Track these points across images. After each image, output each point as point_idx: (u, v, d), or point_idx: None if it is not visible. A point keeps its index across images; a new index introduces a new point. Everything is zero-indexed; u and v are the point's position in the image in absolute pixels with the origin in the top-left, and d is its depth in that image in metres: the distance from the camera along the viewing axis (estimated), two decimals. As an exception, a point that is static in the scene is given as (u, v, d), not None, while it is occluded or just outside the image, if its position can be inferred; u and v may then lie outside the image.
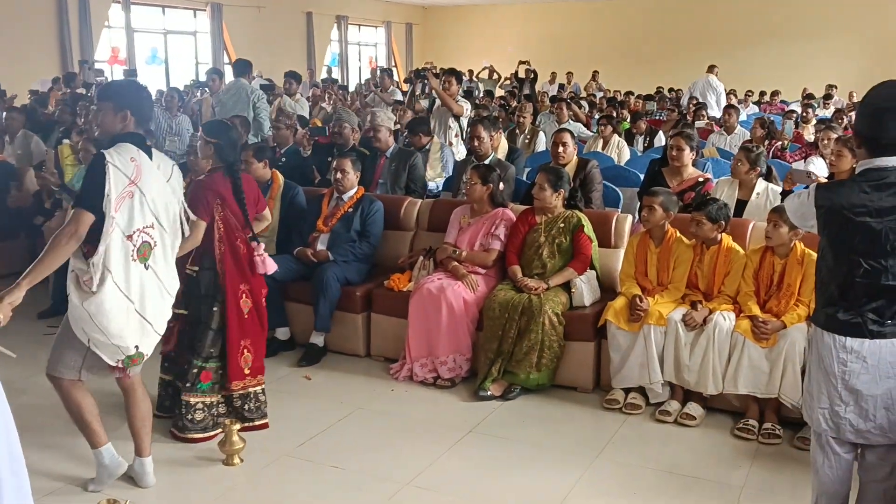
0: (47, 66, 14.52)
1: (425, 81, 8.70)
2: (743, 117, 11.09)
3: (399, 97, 9.66)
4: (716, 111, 12.11)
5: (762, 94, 16.67)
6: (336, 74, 20.95)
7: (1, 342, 2.91)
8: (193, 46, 18.57)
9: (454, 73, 7.79)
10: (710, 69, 13.30)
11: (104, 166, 3.15)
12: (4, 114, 8.78)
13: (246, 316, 4.09)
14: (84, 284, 3.22)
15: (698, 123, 10.14)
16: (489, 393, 4.57)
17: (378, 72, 10.96)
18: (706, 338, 4.24)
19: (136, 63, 16.47)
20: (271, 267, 4.12)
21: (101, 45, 15.98)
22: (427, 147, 6.79)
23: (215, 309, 4.02)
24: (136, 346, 3.33)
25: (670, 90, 16.98)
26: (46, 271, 3.18)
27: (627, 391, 4.49)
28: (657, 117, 12.06)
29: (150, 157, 3.34)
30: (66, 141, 7.30)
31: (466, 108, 7.54)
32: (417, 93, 9.19)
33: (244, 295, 4.06)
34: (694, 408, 4.31)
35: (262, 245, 4.11)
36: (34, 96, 11.69)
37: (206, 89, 10.97)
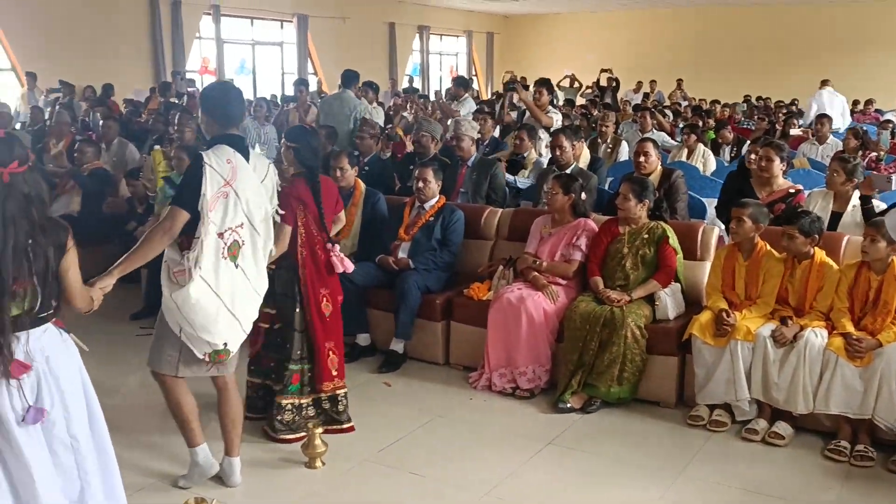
0: (142, 77, 15.13)
1: (514, 93, 8.70)
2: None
3: (470, 107, 9.62)
4: (840, 122, 11.70)
5: (855, 103, 16.06)
6: (417, 84, 21.18)
7: (85, 340, 2.99)
8: (280, 57, 19.03)
9: (545, 84, 7.75)
10: (824, 83, 12.85)
11: (201, 167, 3.26)
12: (101, 122, 9.15)
13: (328, 318, 4.16)
14: (173, 276, 3.33)
15: (792, 132, 9.85)
16: (569, 405, 4.52)
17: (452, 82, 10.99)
18: (796, 355, 4.10)
19: (226, 73, 16.96)
20: (349, 266, 4.19)
21: (192, 56, 16.52)
22: (524, 154, 6.79)
23: (297, 311, 4.10)
24: (225, 343, 3.41)
25: (758, 98, 16.56)
26: (138, 263, 3.31)
27: (712, 408, 4.37)
28: (745, 126, 11.77)
29: (247, 158, 3.44)
30: (157, 147, 7.55)
31: (556, 119, 7.46)
32: (507, 104, 9.23)
33: (325, 299, 4.13)
34: (782, 427, 4.17)
35: (338, 246, 4.16)
36: (129, 106, 12.17)
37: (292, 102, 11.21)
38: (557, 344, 4.76)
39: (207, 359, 3.41)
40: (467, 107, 9.74)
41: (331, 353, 4.18)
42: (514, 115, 9.03)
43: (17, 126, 10.88)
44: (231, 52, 17.59)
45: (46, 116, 10.85)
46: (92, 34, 14.16)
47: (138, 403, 4.62)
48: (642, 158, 5.73)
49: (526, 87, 8.62)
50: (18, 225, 2.51)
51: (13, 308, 2.54)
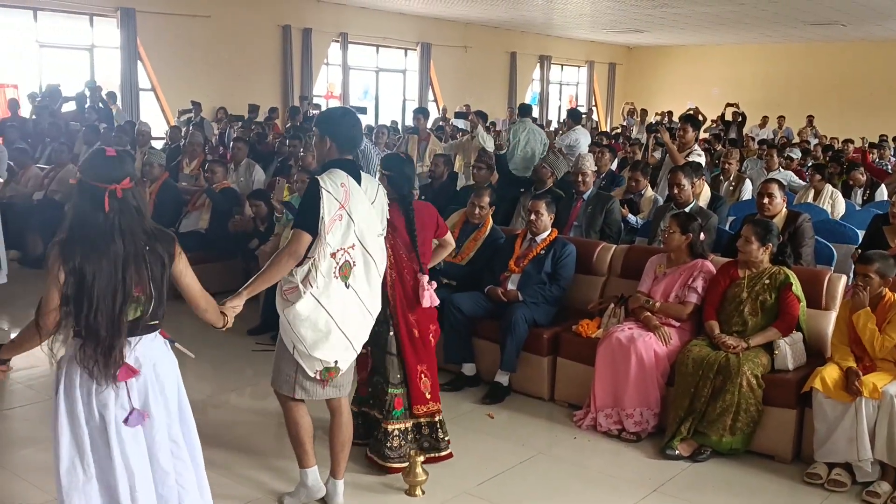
0: (271, 100, 15.80)
1: (657, 135, 8.61)
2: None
3: (577, 140, 9.60)
4: None
5: None
6: (534, 112, 21.20)
7: (202, 352, 3.12)
8: (402, 83, 19.47)
9: (690, 120, 7.59)
10: None
11: (318, 191, 3.37)
12: (232, 142, 9.59)
13: (419, 341, 4.15)
14: (284, 294, 3.44)
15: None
16: (677, 452, 4.36)
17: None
18: (928, 417, 3.83)
19: (350, 98, 17.49)
20: (435, 300, 4.13)
21: (319, 81, 17.13)
22: (642, 192, 6.68)
23: (391, 334, 4.10)
24: (335, 361, 3.48)
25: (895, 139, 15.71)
26: (265, 285, 3.43)
27: (831, 466, 4.13)
28: (882, 167, 11.18)
29: (359, 181, 3.52)
30: (280, 179, 7.81)
31: (700, 158, 7.26)
32: (651, 145, 9.15)
33: (412, 326, 4.12)
34: (909, 493, 3.90)
35: (426, 277, 4.05)
36: (258, 128, 12.70)
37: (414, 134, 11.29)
38: (668, 388, 4.62)
39: (318, 376, 3.48)
40: (572, 138, 9.69)
41: (423, 376, 4.17)
42: (657, 155, 8.90)
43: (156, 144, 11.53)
44: (356, 79, 18.13)
45: (182, 135, 11.47)
46: (228, 58, 14.92)
47: (249, 419, 4.78)
48: (766, 200, 5.51)
49: (670, 129, 8.50)
50: (135, 234, 2.67)
51: (130, 312, 2.66)
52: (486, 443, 4.56)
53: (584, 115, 10.68)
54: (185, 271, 2.84)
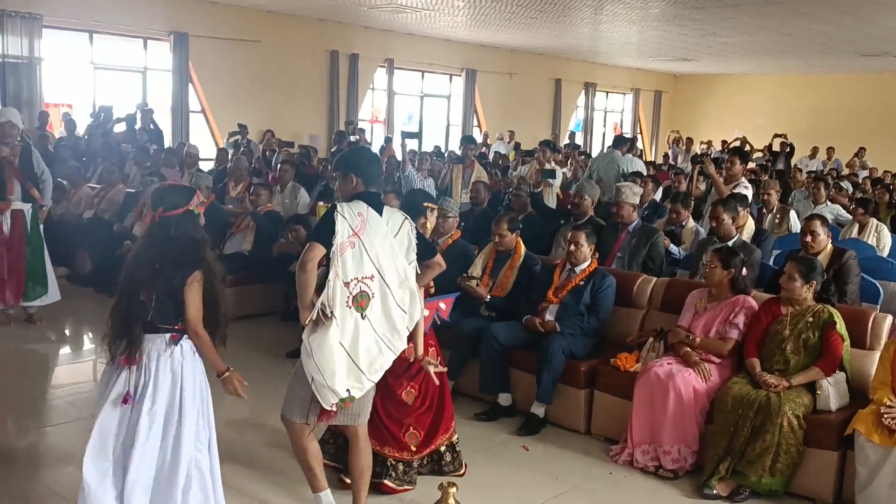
0: (317, 124, 16.04)
1: (702, 166, 8.56)
2: None
3: (626, 164, 9.62)
4: None
5: None
6: (579, 139, 21.18)
7: (241, 373, 3.32)
8: (446, 109, 19.60)
9: (738, 153, 7.54)
10: None
11: (334, 215, 3.48)
12: (279, 165, 9.74)
13: (397, 397, 4.19)
14: (306, 321, 3.47)
15: None
16: (715, 491, 4.29)
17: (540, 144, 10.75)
18: (977, 465, 3.71)
19: (395, 124, 17.66)
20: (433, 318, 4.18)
21: (364, 106, 17.33)
22: (683, 224, 6.63)
23: None
24: (348, 390, 3.49)
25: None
26: (302, 303, 3.47)
27: (875, 512, 4.02)
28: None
29: (381, 213, 3.57)
30: (321, 203, 7.90)
31: (748, 192, 7.19)
32: (696, 176, 9.10)
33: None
34: (957, 544, 3.77)
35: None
36: (303, 151, 12.88)
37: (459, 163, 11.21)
38: (707, 425, 4.54)
39: (334, 409, 3.51)
40: (625, 163, 9.70)
41: (411, 428, 4.22)
42: (702, 187, 8.84)
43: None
44: (401, 104, 18.30)
45: (230, 158, 11.68)
46: (276, 82, 15.19)
47: (282, 442, 4.79)
48: (809, 238, 5.40)
49: (716, 162, 8.45)
50: (171, 252, 3.25)
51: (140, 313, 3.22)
52: (520, 475, 4.52)
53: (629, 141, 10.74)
54: (191, 296, 3.25)
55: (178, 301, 3.22)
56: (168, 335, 3.26)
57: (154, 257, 3.24)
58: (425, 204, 4.54)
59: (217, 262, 3.42)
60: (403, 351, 3.73)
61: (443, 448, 4.33)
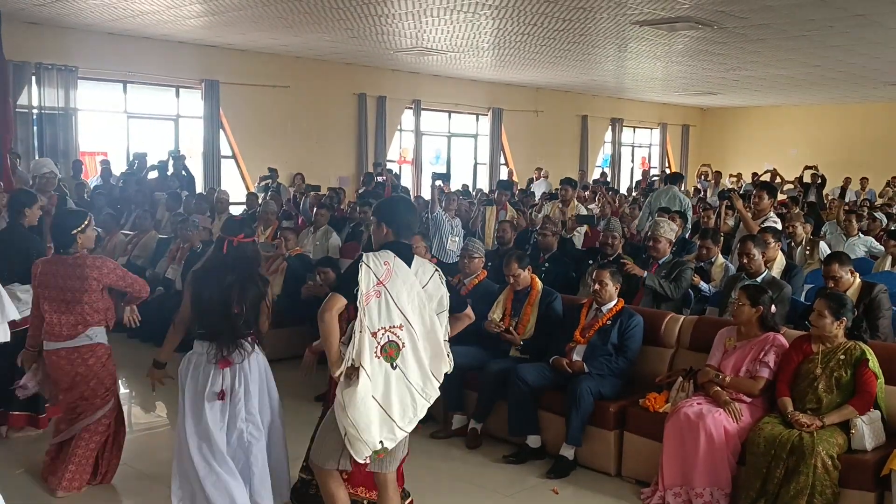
0: (346, 166, 16.22)
1: (730, 201, 8.52)
2: None
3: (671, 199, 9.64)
4: None
5: None
6: (606, 174, 21.14)
7: None
8: (473, 147, 19.73)
9: (766, 188, 7.50)
10: None
11: (359, 265, 3.50)
12: (315, 209, 9.85)
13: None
14: (337, 375, 3.46)
15: None
16: (749, 535, 4.20)
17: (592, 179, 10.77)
18: None
19: (423, 163, 17.80)
20: None
21: (393, 147, 17.51)
22: (712, 259, 6.59)
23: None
24: (381, 441, 3.47)
25: None
26: (329, 350, 3.49)
27: (916, 556, 3.91)
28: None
29: (409, 263, 3.58)
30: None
31: (778, 227, 7.11)
32: (724, 212, 9.07)
33: None
34: None
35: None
36: (332, 193, 13.01)
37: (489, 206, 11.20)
38: (739, 466, 4.46)
39: (367, 461, 3.51)
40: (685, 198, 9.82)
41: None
42: (730, 222, 8.78)
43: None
44: (428, 144, 18.46)
45: (260, 202, 11.84)
46: (305, 126, 15.42)
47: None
48: (831, 284, 5.24)
49: (746, 196, 8.40)
50: (246, 271, 3.98)
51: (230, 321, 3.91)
52: (549, 519, 4.47)
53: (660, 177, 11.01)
54: (264, 308, 4.04)
55: (256, 311, 3.99)
56: (249, 338, 3.97)
57: (237, 276, 3.93)
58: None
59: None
60: None
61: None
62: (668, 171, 23.15)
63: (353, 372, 3.42)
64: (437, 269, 3.71)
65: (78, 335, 4.52)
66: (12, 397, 5.11)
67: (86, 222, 4.67)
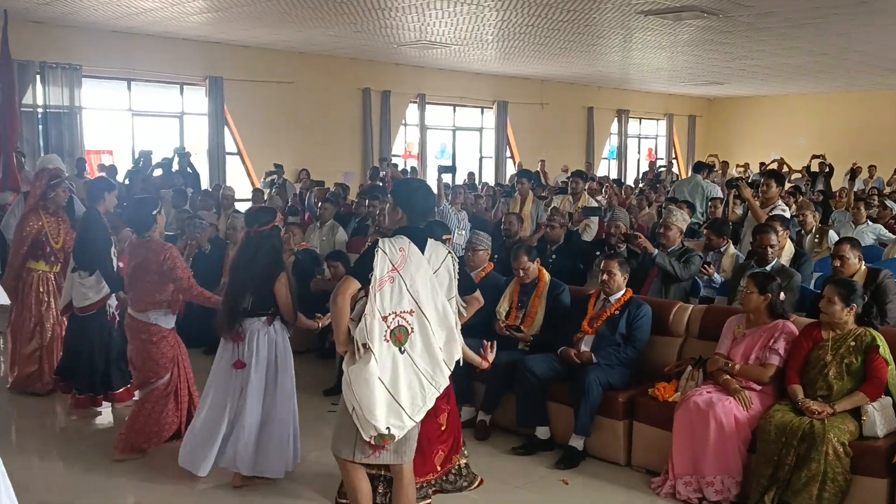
0: (351, 161, 16.20)
1: (738, 190, 8.49)
2: None
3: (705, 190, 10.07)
4: None
5: None
6: (613, 166, 21.10)
7: None
8: (478, 141, 19.70)
9: (773, 176, 7.46)
10: None
11: (375, 250, 3.50)
12: (320, 203, 9.84)
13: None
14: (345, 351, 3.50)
15: None
16: (760, 523, 4.18)
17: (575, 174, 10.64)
18: None
19: (428, 157, 17.77)
20: None
21: (397, 142, 17.49)
22: (721, 249, 6.56)
23: None
24: (388, 428, 3.47)
25: None
26: (338, 331, 3.51)
27: (930, 542, 3.88)
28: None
29: (423, 249, 3.57)
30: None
31: (786, 215, 7.08)
32: (731, 201, 9.06)
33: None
34: None
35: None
36: (338, 189, 13.00)
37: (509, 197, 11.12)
38: (749, 454, 4.44)
39: (373, 441, 3.49)
40: (709, 187, 9.89)
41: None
42: (738, 211, 8.75)
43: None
44: (433, 138, 18.43)
45: (265, 198, 11.84)
46: (310, 122, 15.41)
47: (328, 484, 4.79)
48: (838, 263, 5.28)
49: (750, 184, 8.44)
50: (266, 256, 4.42)
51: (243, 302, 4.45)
52: (559, 510, 4.46)
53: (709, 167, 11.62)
54: (282, 289, 4.43)
55: (270, 294, 4.39)
56: (265, 318, 4.45)
57: (250, 263, 4.39)
58: (445, 237, 4.61)
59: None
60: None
61: (462, 462, 4.46)
62: (674, 160, 23.10)
63: (361, 349, 3.42)
64: (449, 253, 3.69)
65: (145, 311, 4.91)
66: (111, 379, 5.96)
67: (161, 206, 5.12)
